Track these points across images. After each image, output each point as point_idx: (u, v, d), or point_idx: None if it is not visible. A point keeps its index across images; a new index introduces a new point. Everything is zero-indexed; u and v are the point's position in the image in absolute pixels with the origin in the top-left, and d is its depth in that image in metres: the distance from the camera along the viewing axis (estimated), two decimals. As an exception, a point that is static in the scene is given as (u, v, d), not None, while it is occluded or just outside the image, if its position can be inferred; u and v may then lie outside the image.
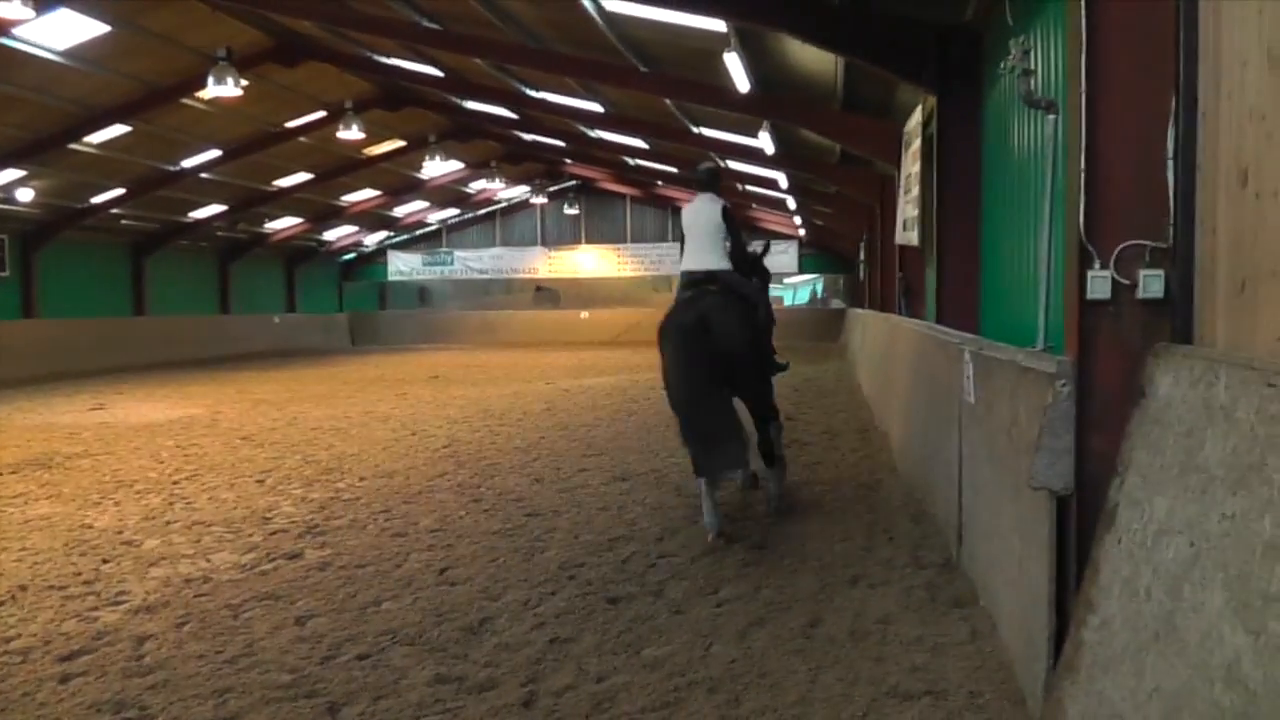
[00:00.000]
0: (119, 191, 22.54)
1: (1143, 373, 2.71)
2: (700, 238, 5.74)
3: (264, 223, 29.64)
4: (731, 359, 5.34)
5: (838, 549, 5.21)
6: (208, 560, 5.29)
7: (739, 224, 6.05)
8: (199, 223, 27.02)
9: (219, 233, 28.60)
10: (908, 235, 12.36)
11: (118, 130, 18.89)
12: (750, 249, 6.34)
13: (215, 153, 21.85)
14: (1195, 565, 2.08)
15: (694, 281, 5.68)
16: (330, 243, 34.58)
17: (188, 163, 22.14)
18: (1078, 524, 3.11)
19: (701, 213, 5.79)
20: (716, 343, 5.26)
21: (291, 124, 21.43)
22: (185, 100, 18.06)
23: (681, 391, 5.28)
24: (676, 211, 32.97)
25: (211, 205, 26.20)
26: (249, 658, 3.85)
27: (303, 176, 25.71)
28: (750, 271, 6.08)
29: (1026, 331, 6.49)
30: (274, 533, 5.88)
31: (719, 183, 6.01)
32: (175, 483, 7.49)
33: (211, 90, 15.60)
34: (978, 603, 4.19)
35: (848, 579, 4.67)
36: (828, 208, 23.67)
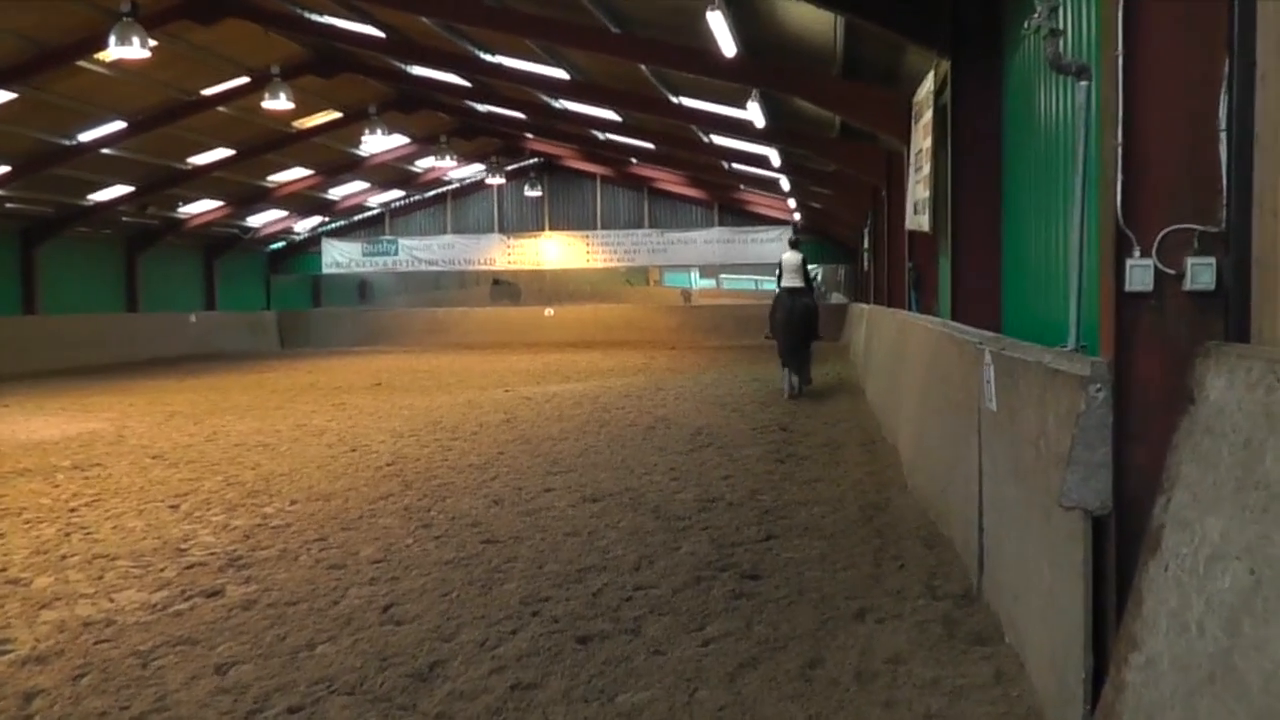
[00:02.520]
0: (3, 170, 22.21)
1: (1190, 375, 2.71)
2: (793, 271, 13.81)
3: (177, 206, 29.34)
4: (809, 327, 13.57)
5: (840, 578, 5.21)
6: (111, 600, 5.20)
7: (806, 263, 14.24)
8: (100, 206, 26.70)
9: (124, 218, 28.27)
10: (918, 220, 12.44)
11: (1, 97, 18.60)
12: (811, 271, 13.81)
13: (119, 125, 21.60)
14: (1256, 595, 2.08)
15: (791, 292, 13.68)
16: (255, 230, 34.33)
17: (86, 136, 21.86)
18: (1117, 548, 3.11)
19: (794, 259, 13.87)
20: (804, 319, 13.44)
21: (209, 92, 21.23)
22: (83, 63, 17.81)
23: (787, 341, 13.52)
24: (654, 193, 33.88)
25: (115, 186, 25.90)
26: (160, 714, 3.78)
27: (222, 153, 25.49)
28: (809, 284, 14.27)
29: (1056, 329, 6.52)
30: (190, 566, 5.80)
31: (799, 239, 15.23)
32: (73, 510, 7.37)
33: (114, 51, 15.39)
34: (1002, 639, 4.19)
35: (852, 613, 4.66)
36: (826, 189, 23.79)
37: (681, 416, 12.02)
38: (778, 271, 14.09)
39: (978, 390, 4.83)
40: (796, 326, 13.33)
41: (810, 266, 15.03)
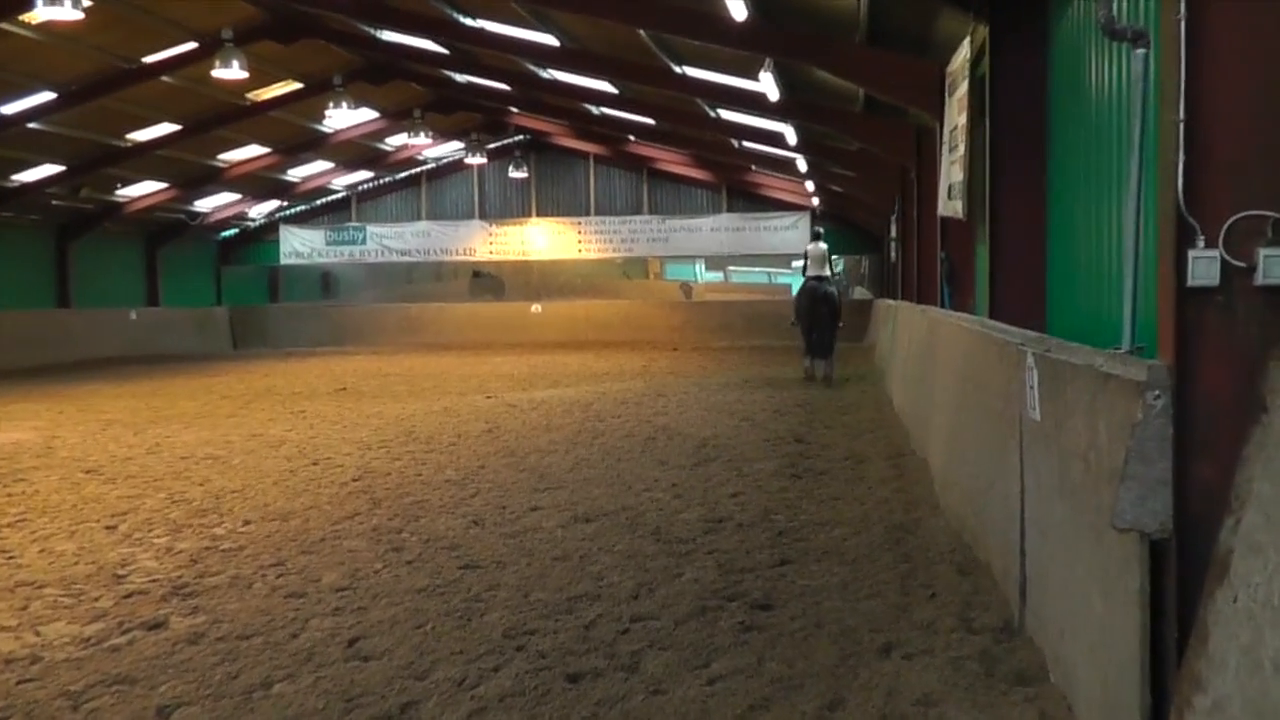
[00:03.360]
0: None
1: (1263, 382, 2.71)
2: (818, 262, 16.90)
3: (115, 189, 29.32)
4: (833, 313, 16.62)
5: (863, 609, 5.21)
6: (37, 634, 5.18)
7: (829, 255, 17.42)
8: (27, 188, 26.65)
9: (55, 202, 28.22)
10: (952, 205, 12.45)
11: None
12: (834, 262, 18.37)
13: (48, 96, 21.57)
14: (1336, 630, 2.07)
15: (817, 279, 16.81)
16: (204, 216, 34.31)
17: (9, 109, 21.82)
18: (1178, 576, 3.10)
19: (819, 249, 16.93)
20: (829, 302, 16.71)
21: (151, 59, 21.21)
22: (5, 25, 17.77)
23: (812, 323, 16.64)
24: (654, 175, 33.99)
25: (44, 165, 25.86)
26: (93, 761, 3.76)
27: (167, 128, 25.47)
28: (832, 275, 17.61)
29: (1109, 328, 6.53)
30: (129, 595, 5.79)
31: (821, 230, 18.40)
32: (-4, 529, 7.35)
33: (42, 12, 15.33)
34: (1047, 679, 4.19)
35: (877, 648, 4.66)
36: (849, 170, 23.81)
37: (685, 426, 12.04)
38: (804, 262, 17.64)
39: (1019, 397, 4.84)
40: (821, 310, 16.75)
41: (833, 257, 18.47)
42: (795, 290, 20.42)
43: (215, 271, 37.03)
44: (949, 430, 7.67)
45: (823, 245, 17.32)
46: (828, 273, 17.30)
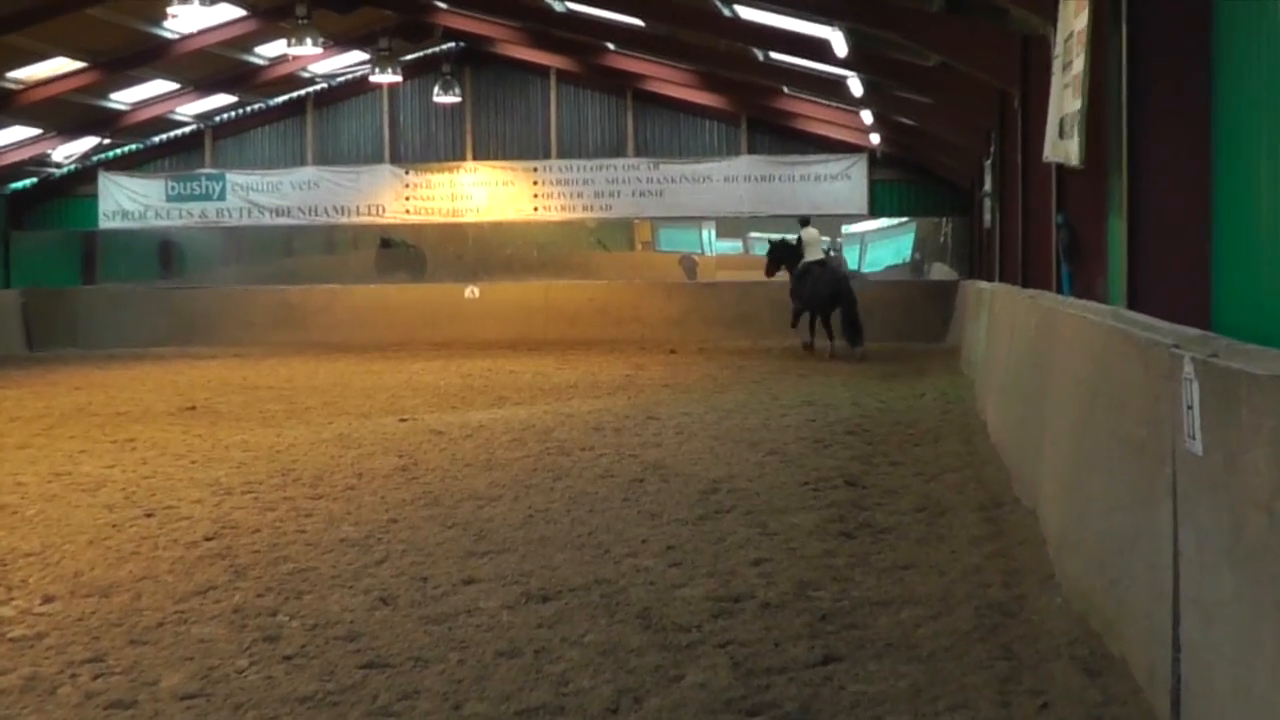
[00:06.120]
0: None
1: None
2: (815, 246, 26.88)
3: None
4: (842, 286, 26.00)
5: (949, 727, 5.21)
6: None
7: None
8: None
9: None
10: (1063, 147, 12.47)
11: None
12: (824, 245, 29.24)
13: None
14: None
15: (819, 263, 26.48)
16: (-16, 156, 34.19)
17: None
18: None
19: (814, 233, 27.13)
20: (835, 281, 26.17)
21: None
22: None
23: (817, 304, 25.87)
24: (644, 100, 34.33)
25: None
26: None
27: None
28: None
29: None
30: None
31: (809, 219, 27.91)
32: None
33: None
34: (1212, 826, 4.19)
35: (969, 785, 4.66)
36: (924, 94, 23.88)
37: (686, 462, 12.04)
38: (798, 246, 26.31)
39: (1172, 422, 4.84)
40: (825, 292, 25.05)
41: (824, 239, 27.74)
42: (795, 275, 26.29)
43: (2, 239, 36.87)
44: (1069, 469, 7.68)
45: (815, 230, 26.83)
46: (821, 256, 26.57)
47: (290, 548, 8.71)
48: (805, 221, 26.86)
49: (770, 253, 27.73)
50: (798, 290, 25.78)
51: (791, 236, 27.05)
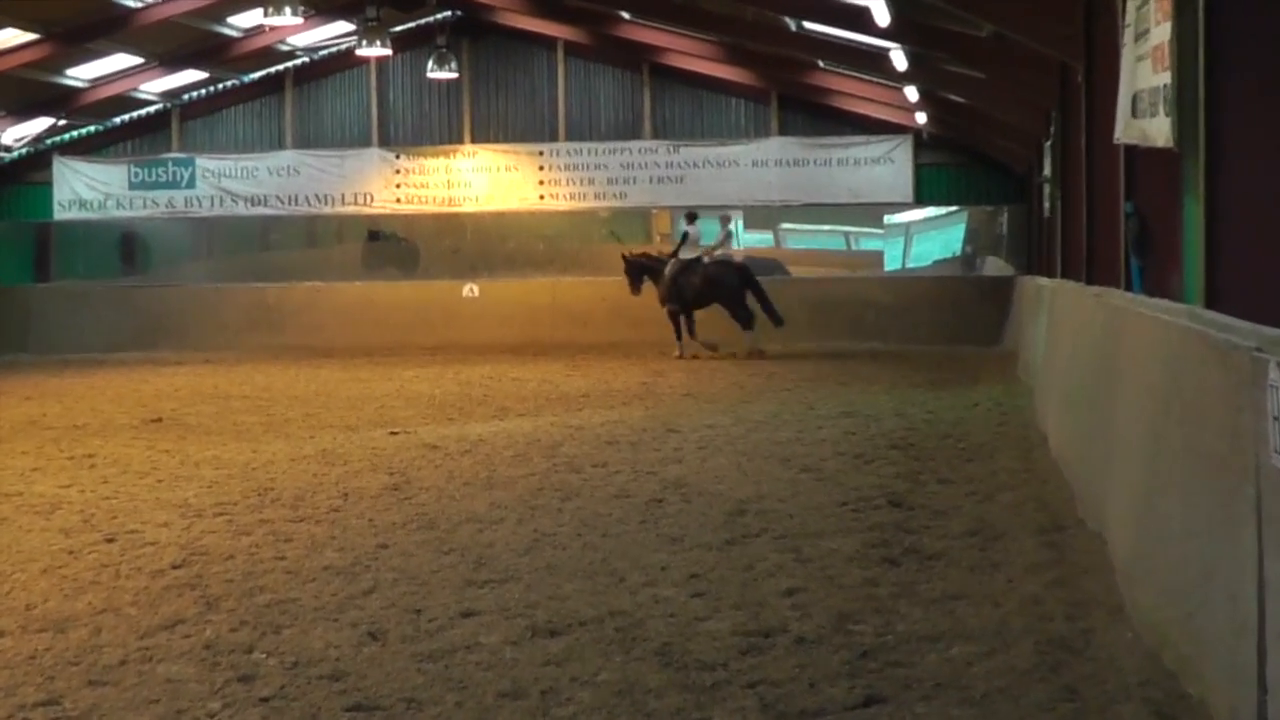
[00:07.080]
0: None
1: None
2: (695, 245, 28.81)
3: None
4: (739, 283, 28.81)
5: (1003, 774, 5.26)
6: None
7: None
8: None
9: None
10: (1137, 126, 12.45)
11: None
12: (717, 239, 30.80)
13: None
14: None
15: (696, 259, 28.38)
16: (-79, 141, 34.29)
17: None
18: None
19: (698, 231, 29.07)
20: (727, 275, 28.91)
21: None
22: None
23: (686, 297, 28.37)
24: (662, 75, 34.17)
25: None
26: None
27: None
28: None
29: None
30: None
31: (696, 215, 30.15)
32: None
33: None
34: None
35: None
36: (975, 67, 23.86)
37: (711, 480, 12.07)
38: (682, 241, 28.61)
39: (1256, 434, 4.86)
40: (697, 284, 27.46)
41: (732, 227, 32.55)
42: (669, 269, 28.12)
43: (-56, 231, 37.01)
44: (1140, 487, 7.67)
45: (698, 228, 28.75)
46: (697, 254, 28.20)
47: (268, 576, 8.72)
48: (693, 217, 29.24)
49: (627, 270, 29.03)
50: (670, 293, 27.79)
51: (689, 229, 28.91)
